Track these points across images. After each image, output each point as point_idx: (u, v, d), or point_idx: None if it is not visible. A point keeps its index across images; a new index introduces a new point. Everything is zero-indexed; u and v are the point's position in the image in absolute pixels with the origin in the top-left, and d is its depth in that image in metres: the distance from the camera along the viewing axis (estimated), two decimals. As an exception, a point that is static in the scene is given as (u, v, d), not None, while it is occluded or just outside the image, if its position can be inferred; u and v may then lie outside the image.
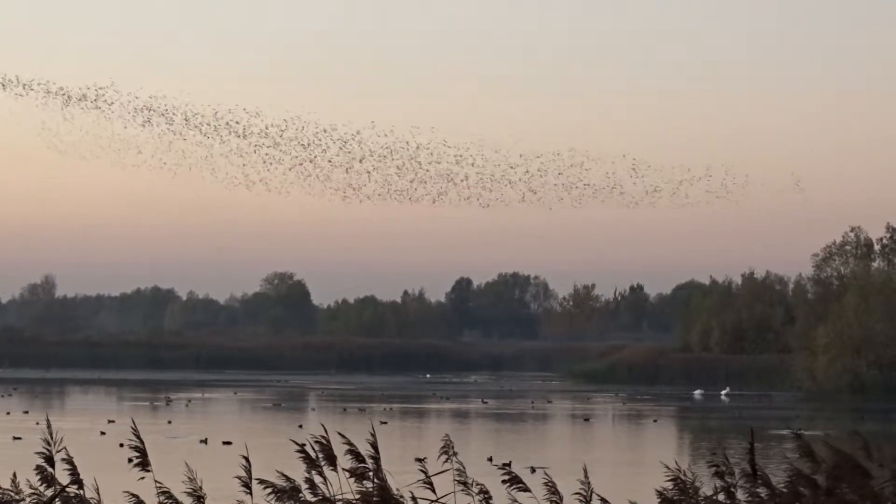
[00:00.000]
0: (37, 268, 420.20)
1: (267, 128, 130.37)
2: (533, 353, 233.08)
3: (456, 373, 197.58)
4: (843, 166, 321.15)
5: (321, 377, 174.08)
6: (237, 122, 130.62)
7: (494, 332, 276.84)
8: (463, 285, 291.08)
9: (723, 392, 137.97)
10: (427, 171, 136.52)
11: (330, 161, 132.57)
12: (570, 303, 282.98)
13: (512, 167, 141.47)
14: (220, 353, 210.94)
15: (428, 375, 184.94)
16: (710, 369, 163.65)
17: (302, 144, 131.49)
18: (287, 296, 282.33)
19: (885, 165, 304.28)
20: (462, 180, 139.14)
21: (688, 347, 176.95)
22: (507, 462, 55.15)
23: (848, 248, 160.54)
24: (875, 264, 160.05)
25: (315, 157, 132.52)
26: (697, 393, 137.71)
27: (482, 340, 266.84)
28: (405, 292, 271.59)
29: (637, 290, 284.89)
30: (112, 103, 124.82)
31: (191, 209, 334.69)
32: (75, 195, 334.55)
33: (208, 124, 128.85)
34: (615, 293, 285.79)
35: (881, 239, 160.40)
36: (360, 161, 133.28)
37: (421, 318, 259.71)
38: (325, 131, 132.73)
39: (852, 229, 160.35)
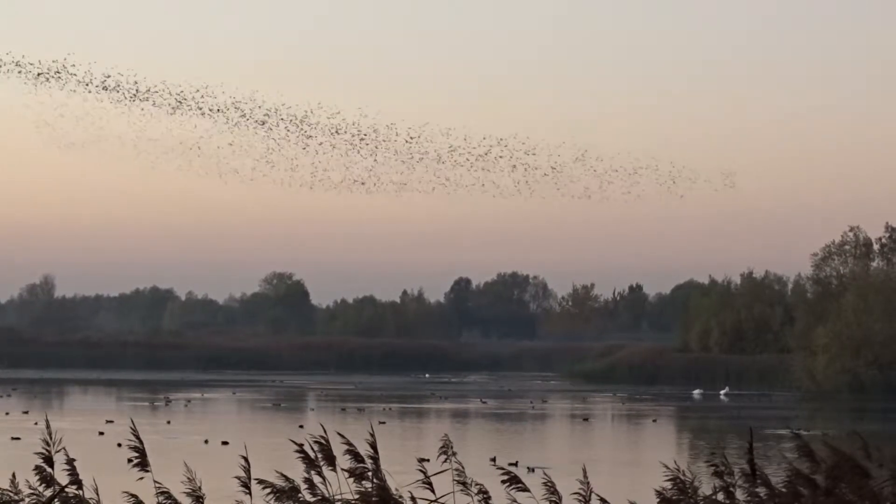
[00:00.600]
0: (36, 268, 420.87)
1: (234, 104, 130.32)
2: (532, 353, 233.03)
3: (455, 373, 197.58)
4: (842, 166, 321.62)
5: (320, 377, 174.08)
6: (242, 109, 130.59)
7: (493, 332, 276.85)
8: (462, 285, 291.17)
9: (722, 392, 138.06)
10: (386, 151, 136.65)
11: (286, 137, 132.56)
12: (570, 303, 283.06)
13: (454, 149, 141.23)
14: (219, 354, 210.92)
15: (427, 375, 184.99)
16: (709, 369, 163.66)
17: (262, 125, 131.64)
18: (286, 296, 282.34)
19: (885, 165, 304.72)
20: (419, 161, 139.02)
21: (687, 347, 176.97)
22: (514, 462, 55.28)
23: (847, 247, 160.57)
24: (874, 264, 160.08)
25: (278, 142, 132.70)
26: (696, 393, 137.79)
27: (481, 340, 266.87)
28: (404, 292, 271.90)
29: (636, 290, 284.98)
30: (72, 77, 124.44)
31: (189, 209, 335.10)
32: (74, 195, 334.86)
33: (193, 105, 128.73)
34: (614, 293, 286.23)
35: (880, 239, 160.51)
36: (312, 138, 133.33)
37: (420, 318, 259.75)
38: (307, 116, 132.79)
39: (851, 229, 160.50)
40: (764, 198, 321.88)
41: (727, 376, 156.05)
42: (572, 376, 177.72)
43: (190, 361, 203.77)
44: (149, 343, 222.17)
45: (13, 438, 68.13)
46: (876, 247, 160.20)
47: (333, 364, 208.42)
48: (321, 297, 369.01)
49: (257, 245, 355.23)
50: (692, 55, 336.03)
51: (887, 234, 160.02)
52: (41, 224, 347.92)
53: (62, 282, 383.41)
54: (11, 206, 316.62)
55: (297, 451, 14.24)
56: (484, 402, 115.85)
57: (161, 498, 13.77)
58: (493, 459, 55.64)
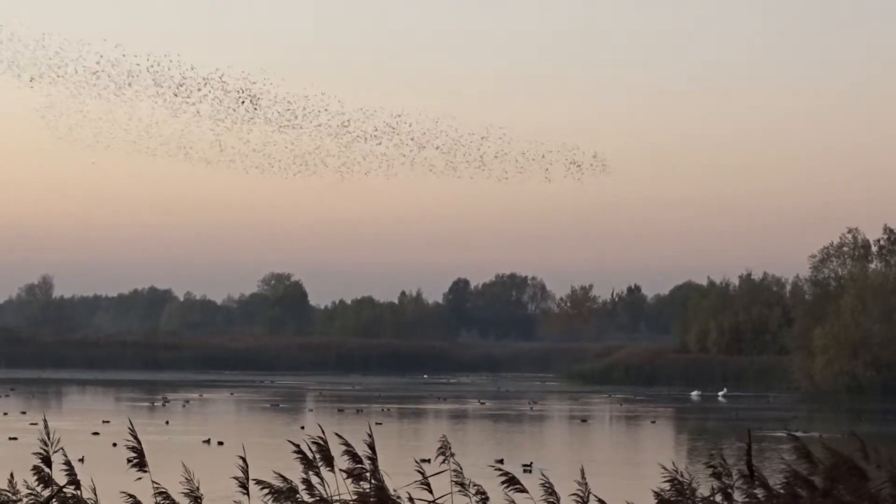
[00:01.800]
0: (34, 268, 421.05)
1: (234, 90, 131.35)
2: (530, 354, 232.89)
3: (453, 373, 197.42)
4: (841, 167, 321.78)
5: (318, 378, 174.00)
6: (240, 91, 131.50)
7: (492, 332, 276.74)
8: (460, 286, 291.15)
9: (720, 393, 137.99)
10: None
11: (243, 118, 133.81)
12: (568, 303, 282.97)
13: (364, 132, 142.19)
14: (217, 354, 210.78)
15: (425, 376, 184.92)
16: (707, 370, 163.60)
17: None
18: (284, 296, 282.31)
19: (884, 166, 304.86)
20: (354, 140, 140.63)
21: (685, 348, 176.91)
22: (528, 464, 55.15)
23: (845, 249, 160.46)
24: (872, 266, 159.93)
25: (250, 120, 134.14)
26: (695, 394, 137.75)
27: (479, 341, 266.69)
28: (402, 293, 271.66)
29: (634, 291, 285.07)
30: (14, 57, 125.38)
31: (188, 209, 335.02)
32: (72, 195, 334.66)
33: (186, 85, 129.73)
34: (612, 294, 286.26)
35: (878, 240, 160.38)
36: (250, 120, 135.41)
37: (418, 319, 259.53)
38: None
39: (850, 230, 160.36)
40: (762, 199, 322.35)
41: (725, 377, 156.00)
42: (570, 377, 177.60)
43: (188, 362, 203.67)
44: (147, 343, 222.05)
45: (10, 438, 68.15)
46: (874, 248, 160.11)
47: (331, 364, 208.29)
48: (319, 297, 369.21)
49: (256, 245, 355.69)
50: (692, 54, 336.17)
51: (885, 236, 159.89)
52: (40, 224, 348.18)
53: (60, 282, 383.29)
54: (10, 206, 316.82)
55: (295, 452, 14.23)
56: (482, 403, 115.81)
57: (159, 498, 13.77)
58: (501, 461, 55.11)
